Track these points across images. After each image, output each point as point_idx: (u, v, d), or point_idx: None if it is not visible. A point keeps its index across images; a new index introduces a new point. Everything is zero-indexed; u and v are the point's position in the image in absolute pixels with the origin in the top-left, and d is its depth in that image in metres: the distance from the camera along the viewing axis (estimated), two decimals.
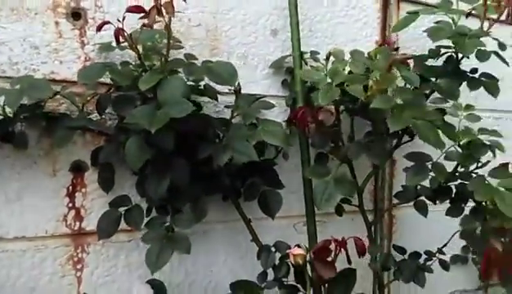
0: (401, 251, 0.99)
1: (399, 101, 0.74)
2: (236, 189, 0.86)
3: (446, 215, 0.86)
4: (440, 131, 0.73)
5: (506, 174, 0.75)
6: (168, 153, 0.69)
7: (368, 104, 0.73)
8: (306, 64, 0.94)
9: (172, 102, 0.65)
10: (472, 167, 0.82)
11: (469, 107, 0.83)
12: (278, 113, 0.96)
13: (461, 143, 0.77)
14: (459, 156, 0.77)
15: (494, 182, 0.75)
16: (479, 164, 0.78)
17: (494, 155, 0.76)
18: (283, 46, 0.97)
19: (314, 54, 0.95)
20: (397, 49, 0.82)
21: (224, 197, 0.86)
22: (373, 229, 1.05)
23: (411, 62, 0.93)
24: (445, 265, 0.92)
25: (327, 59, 0.93)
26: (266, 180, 0.87)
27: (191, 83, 0.75)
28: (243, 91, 0.89)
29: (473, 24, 0.88)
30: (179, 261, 0.88)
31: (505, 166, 0.74)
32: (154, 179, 0.69)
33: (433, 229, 1.06)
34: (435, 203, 0.90)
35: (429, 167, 0.78)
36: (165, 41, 0.72)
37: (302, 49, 0.93)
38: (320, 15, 1.02)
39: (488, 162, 0.78)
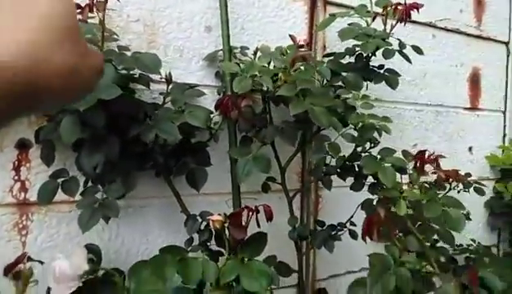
0: (321, 224, 1.13)
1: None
2: (169, 167, 0.98)
3: (351, 189, 1.01)
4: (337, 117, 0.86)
5: (392, 153, 0.89)
6: (102, 131, 0.80)
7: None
8: (235, 57, 1.06)
9: (103, 86, 0.76)
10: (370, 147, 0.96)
11: (364, 97, 0.97)
12: (211, 101, 1.08)
13: (357, 127, 0.91)
14: (354, 137, 0.91)
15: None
16: (372, 145, 0.93)
17: (380, 135, 0.90)
18: (216, 42, 1.09)
19: (244, 49, 1.08)
20: (302, 46, 0.95)
21: (157, 173, 0.97)
22: (300, 205, 1.19)
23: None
24: (353, 235, 1.06)
25: (255, 54, 1.06)
26: (196, 160, 0.99)
27: (125, 72, 0.86)
28: (180, 81, 1.01)
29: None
30: (117, 232, 0.99)
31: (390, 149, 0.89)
32: (88, 153, 0.80)
33: (354, 205, 1.21)
34: (344, 180, 1.04)
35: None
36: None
37: (234, 44, 1.05)
38: (252, 14, 1.14)
39: (379, 142, 0.92)
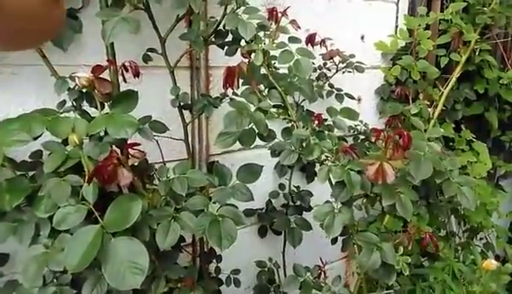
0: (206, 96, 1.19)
1: None
2: None
3: (225, 55, 1.05)
4: None
5: (255, 11, 0.93)
6: None
7: None
8: None
9: None
10: None
11: None
12: None
13: None
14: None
15: None
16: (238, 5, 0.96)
17: None
18: None
19: None
20: None
21: None
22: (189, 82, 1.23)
23: None
24: None
25: None
26: (68, 24, 0.98)
27: None
28: None
29: None
30: None
31: None
32: None
33: None
34: (220, 47, 1.08)
35: None
36: None
37: None
38: None
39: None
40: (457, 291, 1.05)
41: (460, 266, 1.17)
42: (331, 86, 1.52)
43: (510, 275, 0.97)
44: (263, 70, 0.98)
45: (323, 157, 0.92)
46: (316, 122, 0.91)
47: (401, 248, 0.87)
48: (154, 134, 1.05)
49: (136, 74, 0.90)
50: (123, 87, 0.96)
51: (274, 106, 0.98)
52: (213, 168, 0.98)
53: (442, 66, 1.55)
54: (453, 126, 1.77)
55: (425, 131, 1.03)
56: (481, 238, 1.91)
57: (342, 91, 1.52)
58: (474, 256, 1.29)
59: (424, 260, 1.40)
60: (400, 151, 0.80)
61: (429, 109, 1.47)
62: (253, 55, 0.92)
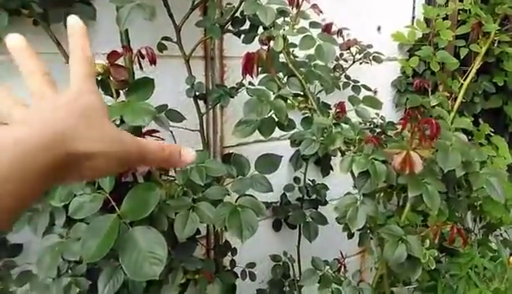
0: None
1: None
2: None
3: (243, 43, 1.02)
4: None
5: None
6: None
7: None
8: None
9: None
10: None
11: None
12: None
13: None
14: None
15: None
16: None
17: None
18: None
19: None
20: None
21: (34, 21, 0.93)
22: (204, 73, 1.20)
23: None
24: None
25: None
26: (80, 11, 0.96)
27: None
28: None
29: None
30: None
31: None
32: None
33: None
34: (237, 35, 1.05)
35: None
36: None
37: None
38: None
39: None
40: (481, 287, 1.01)
41: (483, 262, 1.13)
42: (348, 77, 1.49)
43: None
44: (282, 58, 0.95)
45: (344, 147, 0.89)
46: (339, 110, 0.88)
47: (428, 241, 0.84)
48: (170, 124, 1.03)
49: (153, 61, 0.87)
50: (138, 76, 0.94)
51: (294, 95, 0.95)
52: (231, 158, 0.96)
53: (461, 57, 1.51)
54: (472, 119, 1.73)
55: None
56: (496, 235, 1.87)
57: (359, 82, 1.49)
58: (498, 252, 1.25)
59: (443, 255, 1.37)
60: (428, 140, 0.77)
61: (449, 102, 1.43)
62: (272, 42, 0.89)
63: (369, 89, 1.49)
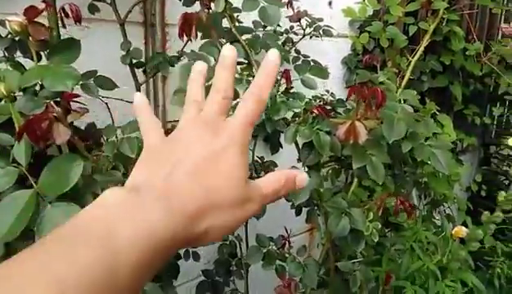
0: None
1: None
2: None
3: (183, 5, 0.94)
4: None
5: None
6: None
7: None
8: None
9: None
10: None
11: None
12: None
13: None
14: None
15: None
16: None
17: None
18: None
19: None
20: None
21: None
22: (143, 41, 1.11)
23: None
24: None
25: None
26: None
27: None
28: None
29: None
30: None
31: None
32: None
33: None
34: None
35: None
36: None
37: None
38: None
39: None
40: (425, 259, 1.02)
41: (427, 235, 1.14)
42: (298, 52, 1.45)
43: (480, 242, 0.96)
44: (226, 24, 0.88)
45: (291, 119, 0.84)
46: (284, 80, 0.83)
47: (371, 214, 0.82)
48: (104, 95, 0.94)
49: (78, 20, 0.78)
50: None
51: (238, 63, 0.89)
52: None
53: (410, 35, 1.51)
54: (419, 97, 1.75)
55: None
56: (439, 212, 1.93)
57: (309, 57, 1.45)
58: (442, 226, 1.28)
59: (388, 230, 1.38)
60: (373, 110, 0.74)
61: (397, 79, 1.43)
62: (212, 4, 0.83)
63: (319, 64, 1.45)
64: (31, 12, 0.74)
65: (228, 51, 0.38)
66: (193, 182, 0.31)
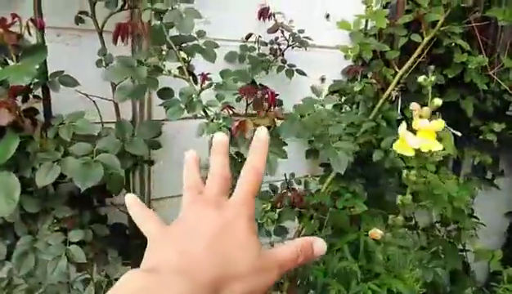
0: None
1: None
2: None
3: None
4: None
5: None
6: None
7: None
8: None
9: None
10: None
11: None
12: None
13: None
14: None
15: None
16: None
17: None
18: None
19: None
20: None
21: None
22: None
23: None
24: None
25: None
26: None
27: None
28: None
29: None
30: None
31: None
32: None
33: None
34: None
35: None
36: None
37: None
38: None
39: None
40: (350, 260, 1.04)
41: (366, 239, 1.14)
42: (284, 61, 1.52)
43: None
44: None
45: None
46: (202, 78, 0.94)
47: (269, 205, 0.89)
48: (91, 94, 1.14)
49: (41, 27, 0.97)
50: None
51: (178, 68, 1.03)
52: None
53: (399, 46, 1.52)
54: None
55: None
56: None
57: (295, 66, 1.52)
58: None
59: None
60: (264, 110, 0.82)
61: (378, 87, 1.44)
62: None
63: (303, 73, 1.51)
64: (2, 23, 0.95)
65: (220, 137, 0.41)
66: (209, 252, 0.32)
